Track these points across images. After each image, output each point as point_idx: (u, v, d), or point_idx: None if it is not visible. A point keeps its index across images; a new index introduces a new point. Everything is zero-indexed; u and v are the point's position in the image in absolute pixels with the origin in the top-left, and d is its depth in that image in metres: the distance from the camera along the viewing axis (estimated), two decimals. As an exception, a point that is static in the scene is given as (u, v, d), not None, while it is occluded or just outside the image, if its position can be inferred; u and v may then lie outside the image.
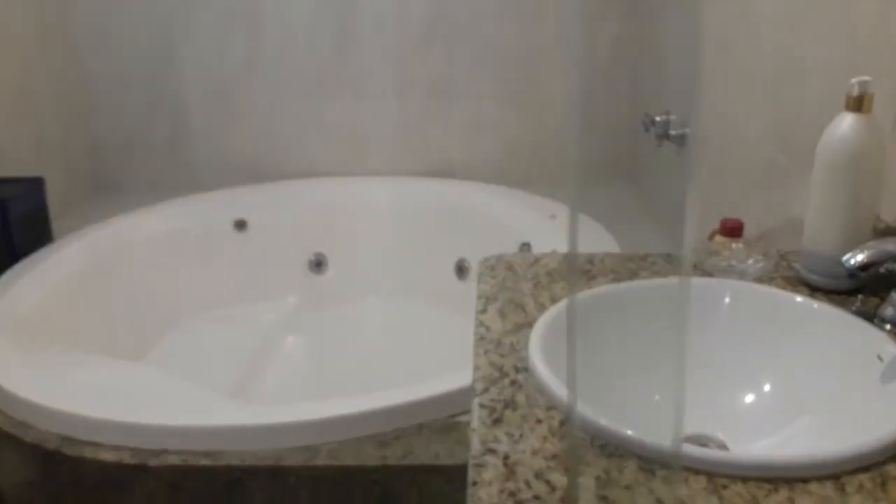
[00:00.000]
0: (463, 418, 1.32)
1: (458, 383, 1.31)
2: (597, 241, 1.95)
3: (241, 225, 2.23)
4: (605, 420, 0.68)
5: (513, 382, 0.76)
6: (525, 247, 2.01)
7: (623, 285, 0.92)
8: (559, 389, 0.72)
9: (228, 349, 2.05)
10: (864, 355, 0.75)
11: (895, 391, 0.70)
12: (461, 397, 1.31)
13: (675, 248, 1.82)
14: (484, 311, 0.92)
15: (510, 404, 0.73)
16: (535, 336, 0.82)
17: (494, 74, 2.34)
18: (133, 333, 1.98)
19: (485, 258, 1.07)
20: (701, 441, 0.80)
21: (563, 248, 1.91)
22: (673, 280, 0.92)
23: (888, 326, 0.81)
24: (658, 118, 1.96)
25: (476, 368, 0.80)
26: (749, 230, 1.37)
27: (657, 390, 0.82)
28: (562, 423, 0.70)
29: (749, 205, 1.44)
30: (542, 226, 2.08)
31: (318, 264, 2.33)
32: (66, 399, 1.28)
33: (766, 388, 0.81)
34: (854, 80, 0.85)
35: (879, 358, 0.74)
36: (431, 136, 2.41)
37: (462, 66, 2.33)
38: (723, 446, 0.79)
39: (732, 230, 1.35)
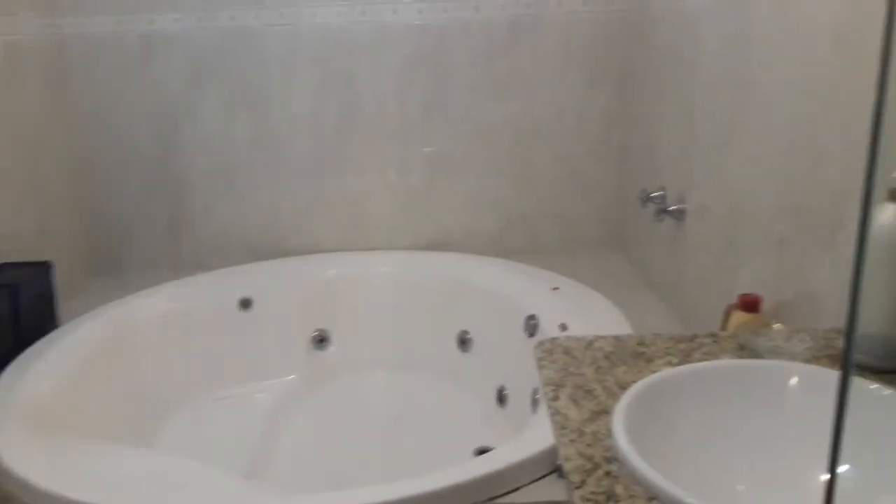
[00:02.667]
0: (501, 501, 1.32)
1: (495, 465, 1.32)
2: (604, 313, 2.00)
3: (246, 304, 2.23)
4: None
5: (607, 474, 0.79)
6: (531, 319, 2.05)
7: (695, 367, 0.96)
8: (657, 479, 0.75)
9: (236, 430, 2.02)
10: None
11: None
12: (497, 480, 1.32)
13: (687, 325, 1.89)
14: (556, 398, 0.94)
15: (611, 496, 0.75)
16: (618, 424, 0.84)
17: (490, 150, 2.42)
18: (142, 416, 1.94)
19: (539, 342, 1.10)
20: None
21: (568, 319, 1.96)
22: (749, 363, 0.97)
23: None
24: (654, 193, 2.05)
25: (566, 459, 0.82)
26: (764, 304, 1.43)
27: (740, 481, 0.85)
28: (668, 513, 0.72)
29: (761, 278, 1.51)
30: (545, 297, 2.12)
31: (320, 340, 2.32)
32: (97, 492, 1.25)
33: (846, 469, 0.84)
34: None
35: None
36: (430, 210, 2.47)
37: (459, 144, 2.41)
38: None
39: (751, 305, 1.41)
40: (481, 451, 1.94)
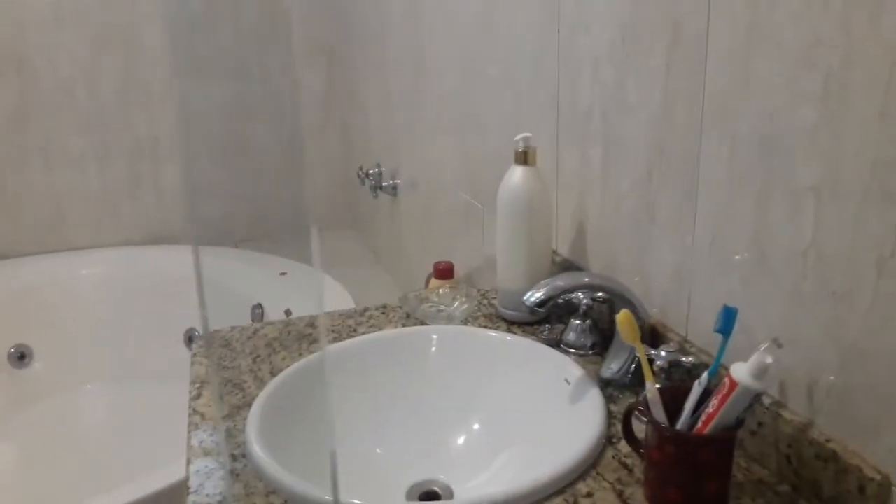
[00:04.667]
0: None
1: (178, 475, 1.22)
2: (330, 294, 1.96)
3: (-90, 326, 1.89)
4: (319, 494, 0.67)
5: (231, 472, 0.73)
6: (257, 308, 1.96)
7: (339, 346, 0.93)
8: (277, 471, 0.70)
9: None
10: (554, 380, 0.84)
11: (580, 411, 0.78)
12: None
13: (401, 293, 1.91)
14: (198, 396, 0.87)
15: (226, 499, 0.69)
16: (253, 416, 0.79)
17: (204, 133, 2.27)
18: None
19: (198, 336, 1.02)
20: (427, 486, 0.83)
21: (293, 304, 1.90)
22: (388, 333, 0.96)
23: (571, 350, 0.92)
24: (371, 170, 2.04)
25: (189, 463, 0.75)
26: (459, 271, 1.47)
27: (380, 445, 0.84)
28: (283, 505, 0.68)
29: (457, 246, 1.55)
30: (273, 284, 2.04)
31: (20, 357, 2.04)
32: None
33: (476, 425, 0.86)
34: (518, 137, 0.95)
35: (567, 381, 0.83)
36: (141, 203, 2.26)
37: (166, 127, 2.23)
38: (447, 487, 0.82)
39: (444, 272, 1.44)
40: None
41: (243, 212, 2.38)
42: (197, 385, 0.89)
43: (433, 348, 0.91)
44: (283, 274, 2.10)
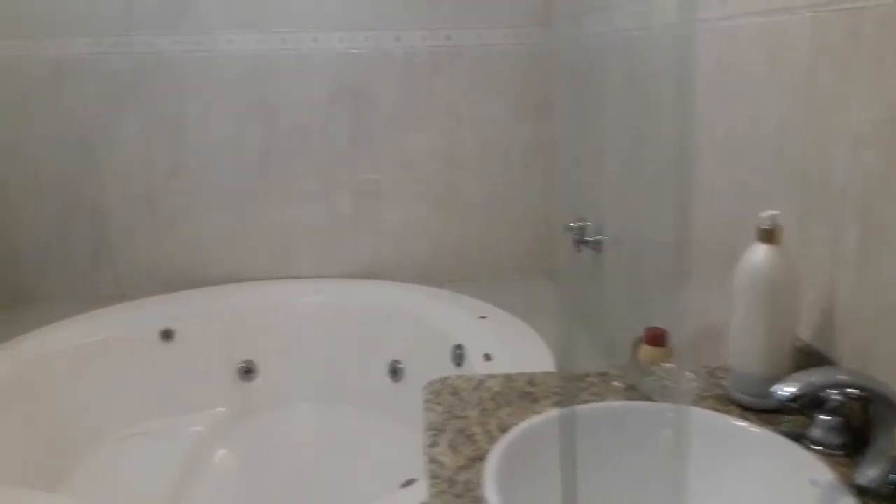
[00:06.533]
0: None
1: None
2: (527, 344, 1.99)
3: (167, 335, 2.17)
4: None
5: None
6: (458, 349, 2.03)
7: (570, 411, 0.94)
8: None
9: (156, 466, 1.97)
10: (799, 481, 0.80)
11: (830, 516, 0.74)
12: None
13: (606, 357, 1.89)
14: (434, 444, 0.92)
15: (470, 551, 0.73)
16: (489, 473, 0.82)
17: (418, 179, 2.42)
18: (57, 453, 1.88)
19: (429, 382, 1.08)
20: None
21: (493, 349, 1.95)
22: (620, 405, 0.96)
23: (816, 447, 0.87)
24: (574, 224, 2.06)
25: (432, 511, 0.80)
26: (671, 337, 1.43)
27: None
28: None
29: (664, 310, 1.51)
30: (473, 327, 2.11)
31: (247, 372, 2.27)
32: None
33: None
34: (765, 214, 0.92)
35: (814, 483, 0.78)
36: (359, 239, 2.45)
37: (386, 172, 2.40)
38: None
39: (657, 339, 1.41)
40: (408, 483, 1.92)
41: (448, 253, 2.49)
42: (432, 433, 0.95)
43: (667, 430, 0.90)
44: (483, 318, 2.16)
